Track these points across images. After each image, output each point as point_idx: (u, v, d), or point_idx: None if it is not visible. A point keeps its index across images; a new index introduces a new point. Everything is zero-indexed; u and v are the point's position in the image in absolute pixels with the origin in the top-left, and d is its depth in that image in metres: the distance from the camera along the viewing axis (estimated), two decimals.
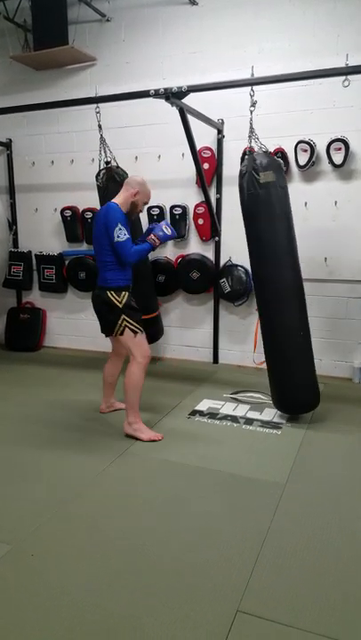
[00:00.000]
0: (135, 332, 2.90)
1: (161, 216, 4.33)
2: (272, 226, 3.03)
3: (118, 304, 2.88)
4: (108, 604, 1.68)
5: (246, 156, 3.09)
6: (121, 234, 2.79)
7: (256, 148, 3.07)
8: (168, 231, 2.97)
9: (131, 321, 2.89)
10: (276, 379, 3.18)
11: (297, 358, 3.12)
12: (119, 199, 2.92)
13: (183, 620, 1.61)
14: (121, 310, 2.88)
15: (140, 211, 3.05)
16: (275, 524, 2.11)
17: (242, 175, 3.02)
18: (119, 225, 2.79)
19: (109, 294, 2.89)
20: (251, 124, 3.07)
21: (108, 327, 2.96)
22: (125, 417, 2.98)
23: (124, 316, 2.88)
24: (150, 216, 4.34)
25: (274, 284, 3.09)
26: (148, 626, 1.59)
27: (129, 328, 2.89)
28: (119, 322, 2.89)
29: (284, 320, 3.12)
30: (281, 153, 3.87)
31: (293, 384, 3.13)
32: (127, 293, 2.92)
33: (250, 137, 3.07)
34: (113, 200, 2.92)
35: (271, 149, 3.88)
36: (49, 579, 1.80)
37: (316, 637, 1.54)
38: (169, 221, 4.33)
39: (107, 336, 3.07)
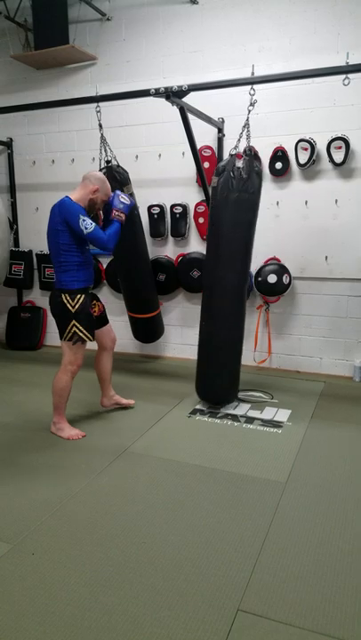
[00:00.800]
0: (80, 340, 2.80)
1: (161, 215, 4.33)
2: (218, 227, 3.15)
3: (71, 308, 2.77)
4: (109, 602, 1.68)
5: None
6: (87, 224, 2.67)
7: (241, 148, 3.07)
8: (127, 200, 2.87)
9: (81, 327, 2.78)
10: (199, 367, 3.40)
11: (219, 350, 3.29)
12: (75, 195, 2.78)
13: (184, 618, 1.61)
14: (73, 315, 2.77)
15: (98, 209, 2.91)
16: (275, 523, 2.12)
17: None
18: (81, 217, 2.67)
19: (63, 297, 2.77)
20: (247, 122, 3.06)
21: (60, 331, 2.85)
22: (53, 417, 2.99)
23: (74, 322, 2.77)
24: (151, 215, 4.34)
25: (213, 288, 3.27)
26: (149, 624, 1.59)
27: (78, 335, 2.79)
28: (68, 328, 2.78)
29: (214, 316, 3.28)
30: (281, 151, 3.87)
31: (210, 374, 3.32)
32: (83, 296, 2.79)
33: (247, 136, 3.07)
34: (67, 195, 2.79)
35: (272, 148, 3.90)
36: (49, 577, 1.80)
37: (317, 636, 1.54)
38: (170, 220, 4.34)
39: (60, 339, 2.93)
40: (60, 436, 2.93)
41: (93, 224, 2.71)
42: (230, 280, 3.19)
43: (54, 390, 2.93)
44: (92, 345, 2.96)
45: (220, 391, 3.35)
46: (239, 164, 3.01)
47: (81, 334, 2.80)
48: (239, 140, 3.07)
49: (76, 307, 2.78)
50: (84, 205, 2.79)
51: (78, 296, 2.79)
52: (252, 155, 3.08)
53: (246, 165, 3.01)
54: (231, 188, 3.02)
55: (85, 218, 2.70)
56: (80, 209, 2.72)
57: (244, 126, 3.07)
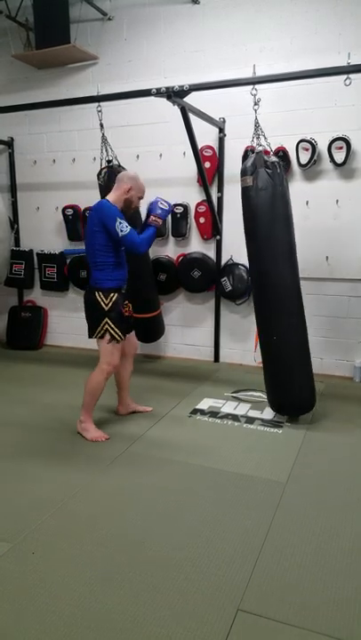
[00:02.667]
0: (114, 339, 2.83)
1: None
2: (268, 226, 2.99)
3: (104, 306, 2.81)
4: (109, 601, 1.68)
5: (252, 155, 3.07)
6: (123, 227, 2.72)
7: (260, 148, 3.05)
8: (165, 205, 2.90)
9: (112, 325, 2.82)
10: (271, 380, 3.16)
11: (292, 359, 3.09)
12: (112, 197, 2.84)
13: (184, 618, 1.61)
14: (105, 313, 2.81)
15: (136, 207, 2.95)
16: (276, 523, 2.12)
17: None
18: (118, 219, 2.71)
19: (97, 295, 2.82)
20: (256, 121, 3.05)
21: (91, 329, 2.89)
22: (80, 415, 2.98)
23: (106, 319, 2.81)
24: None
25: (269, 286, 3.04)
26: (149, 624, 1.59)
27: (110, 333, 2.82)
28: (101, 324, 2.82)
29: (280, 322, 3.07)
30: (282, 152, 3.87)
31: (288, 385, 3.10)
32: (116, 295, 2.84)
33: (254, 135, 3.05)
34: (106, 198, 2.85)
35: (273, 148, 3.89)
36: (49, 577, 1.80)
37: (317, 636, 1.54)
38: (170, 220, 4.33)
39: (90, 337, 2.97)
40: (83, 437, 2.92)
41: (129, 227, 2.75)
42: (289, 278, 3.06)
43: (87, 389, 2.93)
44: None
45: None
46: (273, 159, 3.01)
47: (112, 332, 2.84)
48: (253, 139, 3.06)
49: (109, 305, 2.82)
50: (121, 206, 2.83)
51: (112, 295, 2.84)
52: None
53: (276, 160, 3.02)
54: (270, 184, 2.96)
55: (122, 221, 2.74)
56: (117, 211, 2.77)
57: (256, 126, 3.05)
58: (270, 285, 3.04)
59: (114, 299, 2.83)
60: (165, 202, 2.92)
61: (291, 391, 3.11)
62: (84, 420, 2.96)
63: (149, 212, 2.92)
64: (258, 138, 3.05)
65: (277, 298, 3.05)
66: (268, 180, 2.96)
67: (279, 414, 3.24)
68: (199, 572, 1.82)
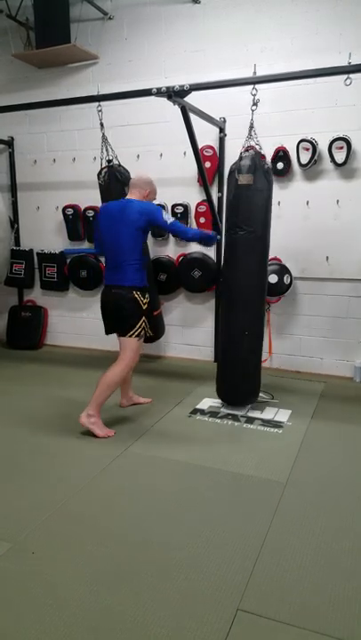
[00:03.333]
0: (146, 335, 2.94)
1: None
2: (244, 228, 3.09)
3: (143, 305, 2.88)
4: (109, 601, 1.68)
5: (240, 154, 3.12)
6: (168, 217, 2.87)
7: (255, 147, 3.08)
8: (218, 237, 3.22)
9: (147, 323, 2.91)
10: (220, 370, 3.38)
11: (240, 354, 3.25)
12: (136, 197, 2.94)
13: (183, 617, 1.61)
14: (143, 312, 2.88)
15: None
16: (275, 523, 2.12)
17: (230, 172, 3.14)
18: (163, 210, 2.86)
19: (136, 294, 2.86)
20: (251, 122, 3.06)
21: (123, 327, 2.90)
22: (86, 408, 2.95)
23: (144, 319, 2.89)
24: None
25: (234, 285, 3.21)
26: (149, 623, 1.59)
27: (144, 330, 2.91)
28: (139, 323, 2.88)
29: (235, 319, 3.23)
30: (283, 152, 3.87)
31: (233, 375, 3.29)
32: (149, 295, 2.95)
33: (247, 137, 3.07)
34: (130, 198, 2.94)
35: (273, 148, 3.90)
36: (50, 576, 1.80)
37: (316, 636, 1.54)
38: None
39: (109, 333, 3.03)
40: (92, 430, 2.92)
41: (172, 217, 2.95)
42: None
43: (105, 382, 2.92)
44: (106, 346, 2.94)
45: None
46: (268, 163, 3.14)
47: (147, 329, 2.94)
48: (246, 139, 3.09)
49: (146, 304, 2.91)
50: None
51: (147, 294, 2.93)
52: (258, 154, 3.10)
53: (265, 162, 3.12)
54: (265, 185, 3.07)
55: (163, 210, 2.89)
56: (156, 205, 2.91)
57: (250, 127, 3.06)
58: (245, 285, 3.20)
59: (149, 298, 2.94)
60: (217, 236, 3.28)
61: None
62: (94, 414, 2.95)
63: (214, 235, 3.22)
64: (252, 138, 3.08)
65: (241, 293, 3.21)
66: (265, 182, 3.05)
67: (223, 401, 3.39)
68: (199, 572, 1.82)
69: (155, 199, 3.05)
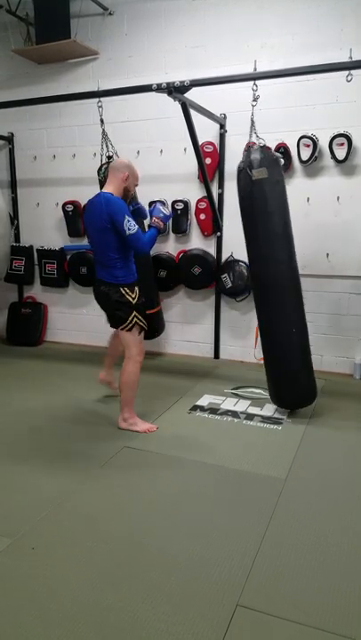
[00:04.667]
0: (142, 330, 2.91)
1: None
2: (267, 223, 3.00)
3: (132, 300, 2.86)
4: (108, 597, 1.68)
5: (244, 151, 3.09)
6: (131, 225, 2.70)
7: (262, 142, 3.06)
8: (167, 212, 2.94)
9: (140, 317, 2.90)
10: (273, 374, 3.19)
11: (292, 354, 3.13)
12: (111, 188, 2.80)
13: (183, 613, 1.61)
14: (134, 307, 2.87)
15: (132, 195, 2.94)
16: (275, 519, 2.12)
17: (239, 171, 3.03)
18: (126, 217, 2.70)
19: (123, 291, 2.85)
20: (252, 118, 3.05)
21: (116, 321, 2.92)
22: (120, 412, 2.99)
23: (135, 313, 2.87)
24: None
25: (268, 281, 3.07)
26: (148, 619, 1.59)
27: (138, 325, 2.89)
28: (130, 318, 2.86)
29: (279, 316, 3.10)
30: (283, 148, 3.86)
31: (289, 380, 3.14)
32: (138, 288, 2.92)
33: (253, 131, 3.06)
34: (106, 190, 2.80)
35: (274, 144, 3.89)
36: (49, 572, 1.80)
37: (315, 631, 1.55)
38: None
39: (112, 327, 3.03)
40: (135, 431, 2.94)
41: (137, 226, 2.74)
42: (289, 274, 3.11)
43: (125, 385, 2.93)
44: (106, 343, 2.90)
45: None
46: (276, 153, 3.06)
47: (141, 323, 2.91)
48: (251, 135, 3.07)
49: (136, 298, 2.88)
50: (120, 195, 2.82)
51: (135, 288, 2.90)
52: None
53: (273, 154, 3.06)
54: (280, 176, 3.02)
55: (130, 219, 2.73)
56: (126, 208, 2.76)
57: (251, 123, 3.05)
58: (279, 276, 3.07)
59: (138, 292, 2.91)
60: (167, 210, 2.97)
61: (293, 385, 3.16)
62: (129, 415, 2.98)
63: (151, 214, 2.94)
64: (255, 133, 3.05)
65: (280, 290, 3.08)
66: (280, 173, 3.00)
67: (280, 407, 3.27)
68: (198, 568, 1.82)
69: (136, 184, 2.90)
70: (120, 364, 2.99)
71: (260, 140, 3.04)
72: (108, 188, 2.82)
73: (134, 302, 2.86)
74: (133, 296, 2.87)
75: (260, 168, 2.92)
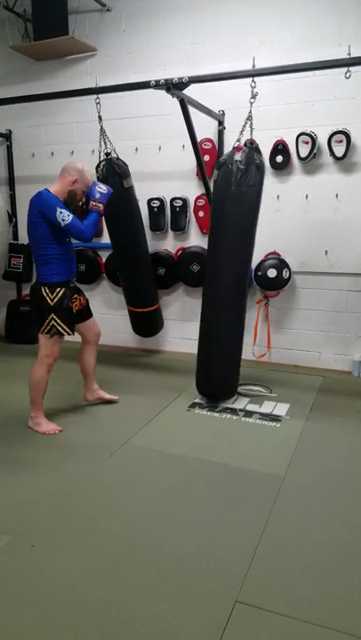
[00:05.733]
0: (59, 334, 2.80)
1: (161, 208, 4.31)
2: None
3: (50, 302, 2.76)
4: (107, 594, 1.69)
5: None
6: (64, 216, 2.66)
7: (243, 141, 3.06)
8: (103, 189, 2.82)
9: (59, 321, 2.78)
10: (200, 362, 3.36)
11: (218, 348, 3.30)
12: (54, 187, 2.77)
13: (182, 610, 1.62)
14: (52, 308, 2.76)
15: (80, 200, 2.87)
16: (273, 516, 2.12)
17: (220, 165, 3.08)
18: (58, 209, 2.65)
19: (43, 290, 2.77)
20: (250, 115, 3.04)
21: (39, 324, 2.84)
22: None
23: (52, 315, 2.77)
24: (151, 208, 4.32)
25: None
26: (147, 616, 1.60)
27: (56, 328, 2.78)
28: (47, 320, 2.77)
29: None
30: (282, 145, 3.85)
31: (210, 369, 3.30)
32: (63, 290, 2.79)
33: (251, 129, 3.06)
34: (46, 188, 2.76)
35: (272, 141, 3.88)
36: (48, 569, 1.81)
37: (314, 627, 1.55)
38: (169, 214, 4.32)
39: (37, 333, 2.92)
40: (36, 431, 2.92)
41: (71, 215, 2.68)
42: (230, 272, 3.19)
43: (31, 384, 2.91)
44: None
45: (221, 381, 3.35)
46: (238, 156, 3.00)
47: (59, 328, 2.79)
48: (242, 132, 3.06)
49: (55, 300, 2.77)
50: (64, 197, 2.77)
51: (58, 289, 2.78)
52: (252, 147, 3.07)
53: (245, 158, 3.00)
54: (230, 182, 3.01)
55: (63, 210, 2.67)
56: (57, 201, 2.70)
57: (246, 119, 3.05)
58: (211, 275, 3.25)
59: (60, 294, 2.78)
60: (104, 186, 2.84)
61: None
62: (35, 415, 2.95)
63: (88, 197, 2.84)
64: (251, 131, 3.05)
65: (220, 287, 3.21)
66: (228, 177, 3.03)
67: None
68: (197, 565, 1.83)
69: (85, 191, 2.81)
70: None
71: (239, 140, 3.04)
72: (52, 187, 2.79)
73: (52, 304, 2.75)
74: (52, 297, 2.75)
75: (214, 170, 3.09)
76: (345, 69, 2.90)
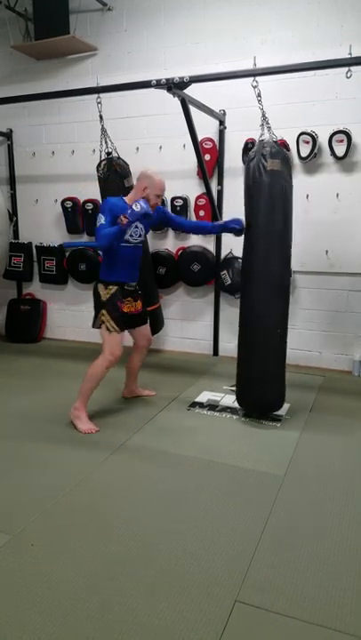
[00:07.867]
0: (109, 330, 2.91)
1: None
2: (270, 216, 2.93)
3: (103, 297, 2.93)
4: (107, 593, 1.69)
5: (257, 142, 3.02)
6: (101, 220, 2.79)
7: (267, 138, 3.02)
8: (137, 207, 2.79)
9: (108, 317, 2.91)
10: (243, 373, 3.08)
11: (269, 356, 3.03)
12: (130, 194, 2.95)
13: (182, 609, 1.62)
14: (103, 304, 2.92)
15: (157, 204, 2.96)
16: (273, 515, 2.12)
17: (250, 160, 2.95)
18: (101, 215, 2.81)
19: (99, 286, 2.97)
20: (263, 113, 3.00)
21: (94, 318, 3.01)
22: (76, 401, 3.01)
23: (103, 310, 2.92)
24: None
25: (259, 276, 2.98)
26: (147, 615, 1.60)
27: (105, 324, 2.92)
28: (99, 314, 2.94)
29: (262, 315, 2.97)
30: (283, 145, 3.85)
31: (259, 381, 3.03)
32: (116, 288, 2.93)
33: (262, 126, 3.01)
34: (122, 196, 2.97)
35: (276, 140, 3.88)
36: (48, 568, 1.81)
37: (313, 627, 1.55)
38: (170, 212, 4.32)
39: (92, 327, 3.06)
40: (74, 425, 2.95)
41: (103, 222, 2.78)
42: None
43: (87, 375, 2.97)
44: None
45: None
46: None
47: (108, 324, 2.92)
48: (262, 130, 3.03)
49: (107, 296, 2.92)
50: None
51: (110, 287, 2.93)
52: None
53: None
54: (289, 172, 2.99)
55: (103, 216, 2.79)
56: (107, 208, 2.81)
57: (263, 118, 3.01)
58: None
59: (112, 291, 2.93)
60: (140, 204, 2.78)
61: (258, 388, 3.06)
62: (79, 407, 2.98)
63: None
64: (268, 129, 3.01)
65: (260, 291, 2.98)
66: (288, 169, 2.98)
67: (241, 408, 3.20)
68: (197, 564, 1.83)
69: (159, 195, 2.88)
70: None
71: (272, 137, 3.01)
72: (129, 194, 2.97)
73: (104, 300, 2.92)
74: (105, 293, 2.92)
75: (275, 159, 2.88)
76: (346, 69, 2.90)
